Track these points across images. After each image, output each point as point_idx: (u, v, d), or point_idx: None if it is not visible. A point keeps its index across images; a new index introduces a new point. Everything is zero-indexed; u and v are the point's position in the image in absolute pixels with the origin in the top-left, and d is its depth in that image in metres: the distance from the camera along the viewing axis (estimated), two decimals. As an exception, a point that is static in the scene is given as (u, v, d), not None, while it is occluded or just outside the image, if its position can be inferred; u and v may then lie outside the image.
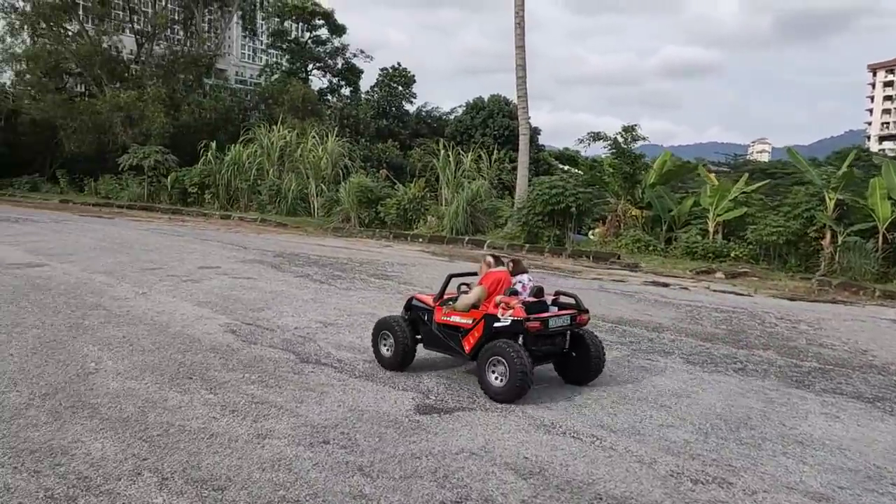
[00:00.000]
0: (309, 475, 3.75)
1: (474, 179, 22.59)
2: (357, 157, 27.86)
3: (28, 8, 36.76)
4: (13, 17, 37.15)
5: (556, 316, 5.79)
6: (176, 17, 38.74)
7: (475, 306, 5.79)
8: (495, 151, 25.32)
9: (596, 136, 21.51)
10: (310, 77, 50.98)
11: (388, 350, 6.12)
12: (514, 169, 28.71)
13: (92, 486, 3.53)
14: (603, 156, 24.57)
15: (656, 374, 6.32)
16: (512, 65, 21.88)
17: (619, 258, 16.39)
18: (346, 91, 51.66)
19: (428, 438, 4.41)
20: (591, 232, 21.37)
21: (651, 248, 17.67)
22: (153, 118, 32.23)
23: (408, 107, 44.16)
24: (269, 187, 26.52)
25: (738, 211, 17.09)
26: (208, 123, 35.46)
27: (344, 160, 27.01)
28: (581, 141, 22.26)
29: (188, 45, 39.66)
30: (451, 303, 6.06)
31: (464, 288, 6.28)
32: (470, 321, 5.77)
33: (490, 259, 6.24)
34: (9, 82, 37.41)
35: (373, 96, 43.80)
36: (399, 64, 44.50)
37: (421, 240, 20.01)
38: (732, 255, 16.32)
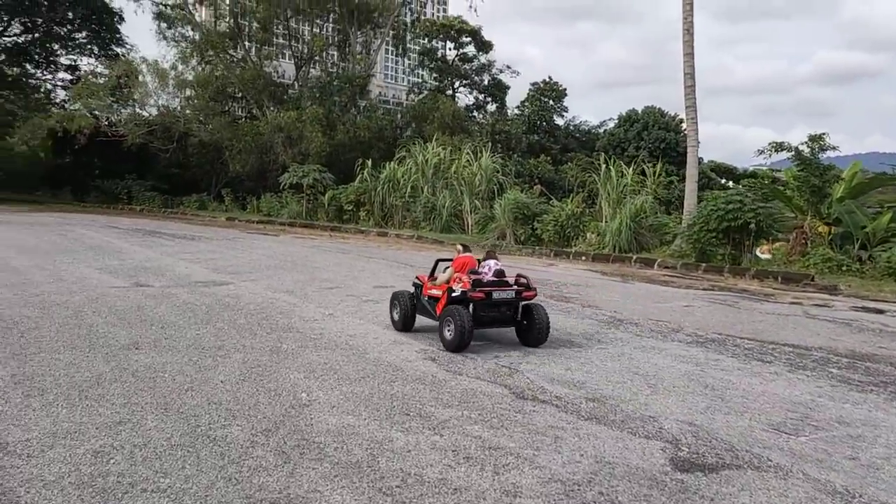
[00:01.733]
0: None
1: (637, 194, 21.54)
2: (510, 172, 27.39)
3: (197, 37, 39.18)
4: (184, 45, 39.71)
5: (499, 290, 7.44)
6: (331, 40, 40.01)
7: (447, 282, 7.58)
8: (653, 165, 24.13)
9: (778, 147, 19.89)
10: (456, 94, 51.32)
11: (396, 315, 8.14)
12: (671, 183, 27.31)
13: (344, 550, 3.08)
14: (763, 167, 22.82)
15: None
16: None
17: (812, 280, 14.87)
18: (492, 107, 51.61)
19: (705, 505, 3.70)
20: (757, 249, 19.77)
21: (844, 267, 16.00)
22: (311, 138, 33.29)
23: (558, 121, 43.39)
24: (423, 204, 26.55)
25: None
26: (362, 142, 36.26)
27: (497, 176, 26.65)
28: (761, 152, 20.64)
29: (342, 66, 40.86)
30: (434, 279, 7.99)
31: (443, 265, 8.16)
32: (440, 293, 7.66)
33: (460, 247, 8.34)
34: (178, 107, 39.86)
35: (523, 111, 43.35)
36: (550, 78, 43.91)
37: (584, 258, 19.19)
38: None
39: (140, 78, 37.15)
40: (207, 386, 5.46)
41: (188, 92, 39.24)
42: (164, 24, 40.72)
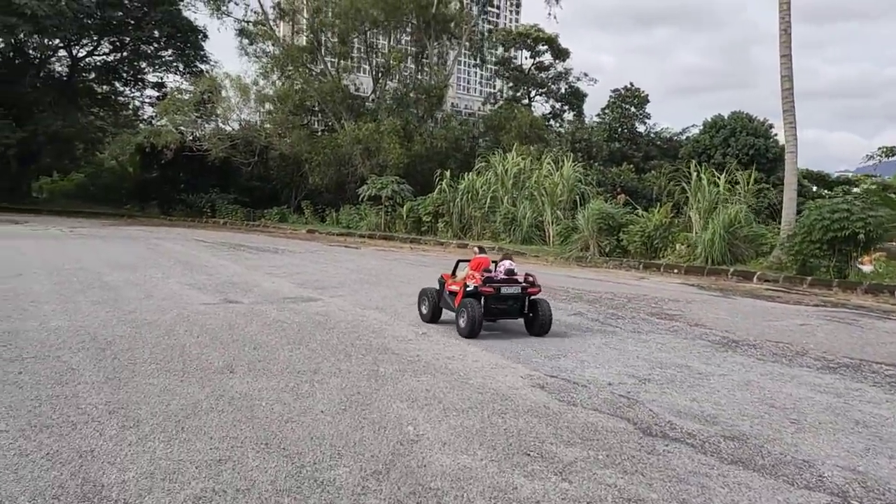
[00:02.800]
0: None
1: (729, 203, 20.54)
2: (592, 182, 26.64)
3: (278, 52, 39.78)
4: (265, 60, 40.39)
5: (507, 286, 8.61)
6: (408, 52, 40.04)
7: (463, 279, 8.79)
8: (744, 172, 23.02)
9: (888, 152, 18.61)
10: (532, 103, 50.76)
11: (425, 308, 9.32)
12: (760, 191, 26.04)
13: None
14: (849, 174, 21.38)
15: None
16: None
17: (937, 295, 13.70)
18: (569, 115, 50.86)
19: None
20: (857, 261, 18.49)
21: (971, 282, 14.74)
22: (389, 149, 33.25)
23: (640, 128, 42.26)
24: (503, 215, 26.07)
25: None
26: (438, 153, 36.07)
27: (580, 186, 25.93)
28: (870, 157, 19.37)
29: (419, 77, 40.83)
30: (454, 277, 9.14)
31: (463, 265, 9.27)
32: (457, 288, 8.81)
33: (476, 249, 9.74)
34: (259, 121, 40.51)
35: (604, 118, 42.44)
36: (631, 84, 42.91)
37: (676, 270, 18.33)
38: None
39: (223, 93, 37.97)
40: (308, 417, 5.10)
41: (268, 106, 39.86)
42: (245, 41, 41.57)
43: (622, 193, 27.19)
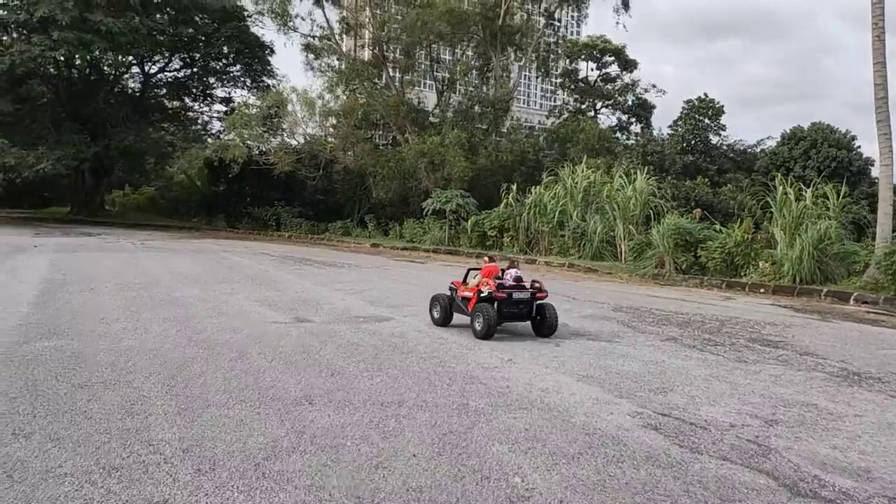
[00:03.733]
0: None
1: (819, 218, 19.35)
2: (668, 196, 25.64)
3: (343, 66, 39.88)
4: (330, 75, 40.54)
5: (518, 291, 9.22)
6: (472, 64, 39.69)
7: (475, 286, 9.33)
8: (829, 185, 21.74)
9: None
10: (598, 115, 49.82)
11: (437, 313, 9.87)
12: (845, 206, 24.61)
13: None
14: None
15: None
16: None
17: None
18: (636, 127, 49.75)
19: None
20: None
21: None
22: (454, 163, 32.80)
23: (713, 140, 40.91)
24: (573, 230, 25.28)
25: None
26: (504, 166, 35.47)
27: (654, 200, 24.96)
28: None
29: (484, 90, 40.39)
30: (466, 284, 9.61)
31: (473, 273, 9.78)
32: (470, 294, 9.34)
33: (486, 258, 10.26)
34: (323, 135, 40.60)
35: (676, 130, 41.23)
36: (705, 94, 41.57)
37: (762, 290, 17.29)
38: None
39: (289, 107, 38.17)
40: (399, 461, 4.54)
41: (332, 120, 39.94)
42: (311, 56, 41.82)
43: (698, 208, 26.05)
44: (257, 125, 37.77)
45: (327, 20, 40.73)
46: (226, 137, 42.02)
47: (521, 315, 9.38)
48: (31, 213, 56.98)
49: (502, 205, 28.63)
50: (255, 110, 39.51)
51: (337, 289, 14.20)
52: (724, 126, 41.40)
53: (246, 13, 43.19)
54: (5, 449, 4.45)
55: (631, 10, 38.91)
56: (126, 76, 48.23)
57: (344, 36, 42.01)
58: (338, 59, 41.25)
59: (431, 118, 40.66)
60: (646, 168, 26.92)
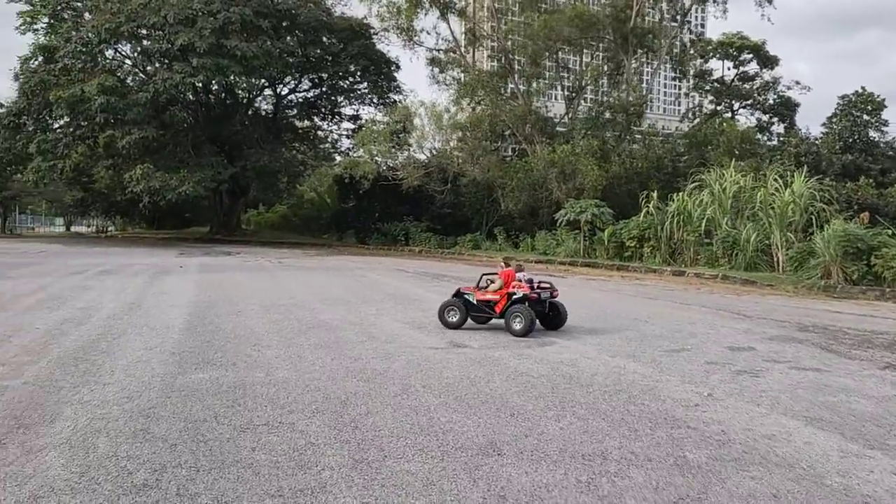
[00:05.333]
0: None
1: None
2: (832, 199, 23.36)
3: (468, 79, 39.45)
4: (456, 87, 40.25)
5: (544, 291, 10.38)
6: (603, 69, 38.30)
7: (498, 290, 10.32)
8: None
9: None
10: (736, 116, 47.10)
11: (453, 318, 10.48)
12: None
13: None
14: None
15: None
16: None
17: None
18: (778, 128, 46.65)
19: None
20: None
21: None
22: (586, 172, 31.56)
23: (874, 137, 37.50)
24: (722, 239, 23.48)
25: None
26: (638, 173, 33.92)
27: (814, 204, 22.80)
28: None
29: (614, 95, 38.92)
30: (484, 288, 10.54)
31: (486, 279, 10.74)
32: (498, 297, 10.30)
33: (502, 263, 10.91)
34: (449, 148, 40.26)
35: (831, 128, 38.11)
36: (863, 88, 38.14)
37: (963, 304, 15.12)
38: None
39: (416, 122, 38.09)
40: (636, 543, 3.59)
41: (459, 133, 39.54)
42: (436, 69, 41.80)
43: (865, 211, 23.63)
44: (385, 141, 37.90)
45: (452, 33, 40.57)
46: (355, 154, 42.52)
47: (544, 314, 10.37)
48: (173, 233, 60.20)
49: (642, 214, 27.14)
50: (382, 126, 39.75)
51: (483, 308, 13.39)
52: (885, 122, 37.83)
53: (372, 30, 43.70)
54: (171, 516, 3.85)
55: (775, 1, 36.22)
56: (259, 99, 49.94)
57: (469, 48, 41.63)
58: (463, 72, 40.95)
59: (559, 127, 39.56)
60: (802, 170, 24.71)
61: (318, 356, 8.33)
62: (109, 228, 77.13)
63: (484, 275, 10.94)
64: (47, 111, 39.48)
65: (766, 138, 46.08)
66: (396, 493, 4.22)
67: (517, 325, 9.83)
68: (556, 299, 10.53)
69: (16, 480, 4.39)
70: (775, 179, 24.20)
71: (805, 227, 22.58)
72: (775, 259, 22.44)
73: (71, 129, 39.88)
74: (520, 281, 10.30)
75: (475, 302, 10.45)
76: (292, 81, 48.17)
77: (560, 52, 38.67)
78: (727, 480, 4.53)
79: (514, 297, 10.11)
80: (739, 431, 5.61)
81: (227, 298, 14.08)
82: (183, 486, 4.28)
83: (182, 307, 12.68)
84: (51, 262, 24.75)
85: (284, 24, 40.65)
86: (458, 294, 10.71)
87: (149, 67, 41.91)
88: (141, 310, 12.28)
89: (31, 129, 41.08)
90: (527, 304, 9.99)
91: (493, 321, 10.53)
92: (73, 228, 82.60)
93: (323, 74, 47.09)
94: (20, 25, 44.48)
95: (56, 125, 42.01)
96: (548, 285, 10.47)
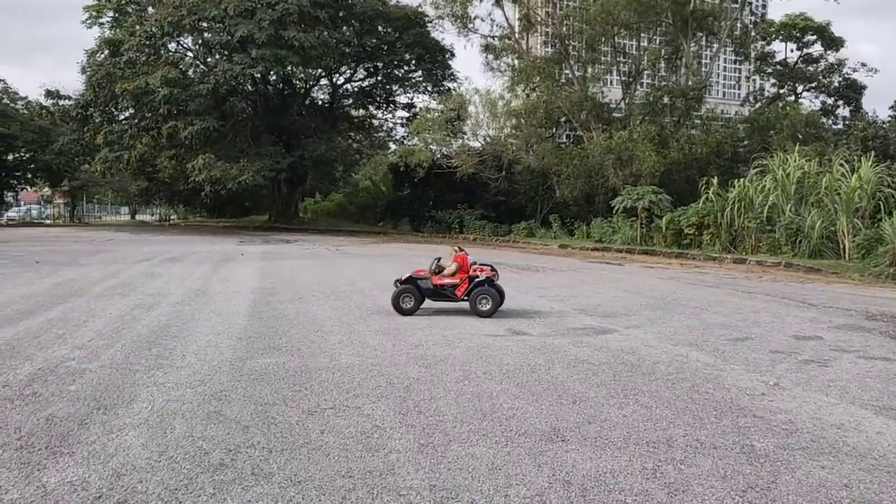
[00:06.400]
0: None
1: None
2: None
3: (523, 65, 39.13)
4: (510, 74, 40.00)
5: (495, 275, 10.89)
6: (662, 53, 37.58)
7: (453, 274, 10.79)
8: None
9: None
10: (799, 100, 45.76)
11: (407, 304, 10.60)
12: None
13: None
14: None
15: None
16: None
17: None
18: (843, 111, 45.17)
19: None
20: None
21: None
22: (643, 158, 31.04)
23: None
24: (786, 226, 22.89)
25: None
26: (698, 159, 33.22)
27: (882, 190, 22.05)
28: None
29: (673, 79, 38.17)
30: (438, 273, 10.93)
31: (437, 263, 11.12)
32: (458, 280, 10.77)
33: (456, 248, 11.46)
34: (503, 136, 40.05)
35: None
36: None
37: None
38: None
39: (471, 109, 38.00)
40: (704, 530, 3.60)
41: (513, 120, 39.29)
42: (490, 56, 41.61)
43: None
44: (440, 129, 37.93)
45: (507, 19, 40.31)
46: (409, 143, 42.72)
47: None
48: (233, 221, 61.54)
49: (701, 200, 26.63)
50: (437, 114, 39.79)
51: (541, 295, 13.39)
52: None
53: (427, 18, 43.71)
54: (248, 494, 4.00)
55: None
56: (315, 88, 50.50)
57: (524, 34, 41.30)
58: (517, 58, 40.65)
59: (616, 112, 39.00)
60: (869, 155, 23.90)
61: (379, 342, 8.47)
62: (172, 217, 79.22)
63: (436, 259, 11.33)
64: (113, 103, 40.71)
65: (831, 122, 44.69)
66: (463, 476, 4.30)
67: (486, 307, 10.40)
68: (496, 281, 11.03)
69: (99, 458, 4.60)
70: (841, 164, 23.49)
71: (873, 214, 21.88)
72: (841, 246, 21.81)
73: (136, 121, 40.98)
74: (474, 264, 10.95)
75: (431, 286, 10.74)
76: (348, 71, 48.57)
77: (617, 37, 38.03)
78: (796, 470, 4.48)
79: (477, 280, 10.62)
80: (807, 421, 5.53)
81: (289, 285, 14.38)
82: (257, 465, 4.44)
83: (245, 293, 13.00)
84: (118, 249, 25.59)
85: (341, 13, 40.99)
86: (411, 279, 10.80)
87: (209, 59, 42.75)
88: (206, 296, 12.63)
89: (98, 120, 42.44)
90: (487, 285, 10.57)
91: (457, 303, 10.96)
92: (137, 217, 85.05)
93: (378, 63, 47.34)
94: (86, 20, 45.97)
95: (122, 117, 43.27)
96: (491, 266, 11.10)
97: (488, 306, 10.41)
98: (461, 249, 11.30)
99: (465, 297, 10.66)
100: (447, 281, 10.77)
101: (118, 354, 7.67)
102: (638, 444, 4.94)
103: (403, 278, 10.89)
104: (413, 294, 10.64)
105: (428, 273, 10.93)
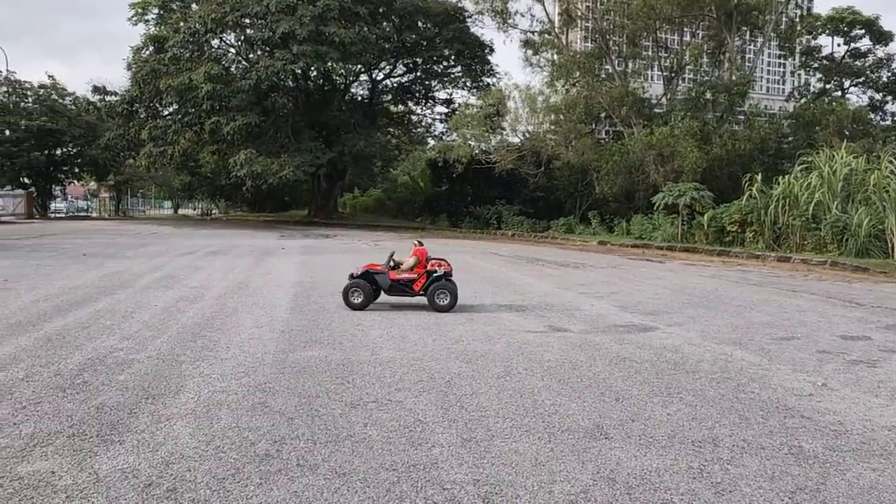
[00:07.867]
0: None
1: None
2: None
3: (563, 60, 38.86)
4: (550, 69, 39.76)
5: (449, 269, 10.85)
6: (705, 47, 37.00)
7: (411, 268, 10.75)
8: None
9: None
10: (846, 95, 44.72)
11: (358, 299, 10.44)
12: None
13: None
14: None
15: None
16: None
17: None
18: (893, 107, 44.07)
19: None
20: None
21: None
22: (685, 154, 30.60)
23: None
24: (832, 224, 22.41)
25: None
26: (741, 155, 32.62)
27: (934, 188, 21.46)
28: None
29: (716, 74, 37.57)
30: (397, 268, 10.89)
31: (395, 258, 11.08)
32: (416, 275, 10.71)
33: (416, 242, 11.40)
34: (542, 131, 39.81)
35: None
36: None
37: None
38: None
39: (510, 104, 37.88)
40: (752, 531, 3.55)
41: (552, 116, 39.02)
42: (529, 52, 41.38)
43: None
44: (478, 124, 37.87)
45: (547, 14, 40.05)
46: (448, 138, 42.71)
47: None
48: (273, 216, 62.21)
49: (744, 197, 26.20)
50: (475, 110, 39.73)
51: (581, 292, 13.31)
52: None
53: (466, 14, 43.67)
54: (294, 485, 4.05)
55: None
56: (355, 84, 50.76)
57: (564, 28, 41.00)
58: (557, 53, 40.37)
59: (657, 108, 38.52)
60: (919, 151, 23.31)
61: (420, 336, 8.51)
62: (213, 211, 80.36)
63: (392, 253, 11.33)
64: (158, 99, 41.40)
65: (879, 118, 43.66)
66: (506, 471, 4.30)
67: (444, 301, 10.43)
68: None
69: (149, 447, 4.70)
70: (890, 161, 22.92)
71: (922, 212, 21.32)
72: (889, 245, 21.30)
73: (179, 116, 41.60)
74: (431, 259, 10.92)
75: (389, 281, 10.68)
76: (387, 67, 48.72)
77: (659, 31, 37.53)
78: (846, 472, 4.40)
79: (435, 275, 10.62)
80: (857, 422, 5.42)
81: (329, 279, 14.49)
82: (302, 457, 4.50)
83: (287, 287, 13.15)
84: (162, 242, 26.06)
85: (381, 9, 41.10)
86: (366, 274, 10.71)
87: (251, 55, 43.22)
88: (249, 289, 12.81)
89: (142, 116, 43.19)
90: (444, 280, 10.58)
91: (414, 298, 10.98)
92: (180, 211, 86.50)
93: (417, 59, 47.39)
94: (132, 17, 46.88)
95: (166, 112, 43.97)
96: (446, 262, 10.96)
97: (446, 301, 10.42)
98: (421, 244, 11.27)
99: (423, 293, 10.62)
100: (405, 276, 10.73)
101: (164, 345, 7.82)
102: (683, 442, 4.89)
103: (358, 272, 10.81)
104: (363, 289, 10.48)
105: (384, 268, 10.86)
